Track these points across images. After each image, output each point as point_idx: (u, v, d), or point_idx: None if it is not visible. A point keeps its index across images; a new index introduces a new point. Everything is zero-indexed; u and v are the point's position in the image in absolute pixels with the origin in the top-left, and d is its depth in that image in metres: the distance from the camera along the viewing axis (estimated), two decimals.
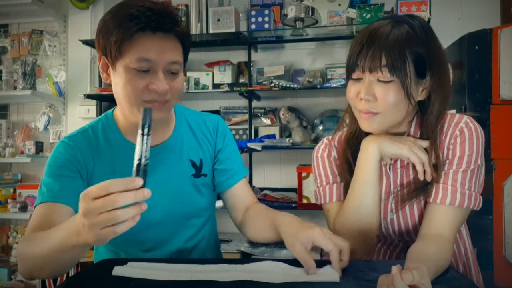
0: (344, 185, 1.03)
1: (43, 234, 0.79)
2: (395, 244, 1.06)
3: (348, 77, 0.95)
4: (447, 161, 0.92)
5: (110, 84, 0.97)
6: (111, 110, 1.06)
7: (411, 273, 0.63)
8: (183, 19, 2.46)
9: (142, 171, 0.63)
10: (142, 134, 0.64)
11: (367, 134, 0.98)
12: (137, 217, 0.62)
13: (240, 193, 1.12)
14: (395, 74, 0.85)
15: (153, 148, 1.01)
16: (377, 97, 0.88)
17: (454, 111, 1.83)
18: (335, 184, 1.04)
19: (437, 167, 0.92)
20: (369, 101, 0.89)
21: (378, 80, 0.88)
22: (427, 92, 0.92)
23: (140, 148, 0.63)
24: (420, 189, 0.95)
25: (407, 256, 0.82)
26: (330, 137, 1.10)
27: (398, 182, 1.00)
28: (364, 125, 0.93)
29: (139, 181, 0.62)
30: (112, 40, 0.87)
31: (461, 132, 0.92)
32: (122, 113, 1.00)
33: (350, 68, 0.92)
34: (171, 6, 0.92)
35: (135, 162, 0.63)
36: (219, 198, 1.20)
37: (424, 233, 0.90)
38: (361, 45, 0.89)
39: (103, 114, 1.06)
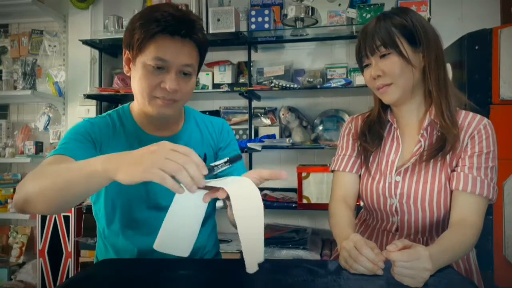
0: (358, 159, 1.19)
1: (58, 166, 0.81)
2: (391, 223, 1.14)
3: (361, 68, 1.13)
4: (467, 156, 1.04)
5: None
6: (127, 104, 1.14)
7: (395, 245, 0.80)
8: None
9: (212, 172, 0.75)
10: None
11: (380, 121, 1.16)
12: (181, 189, 0.68)
13: None
14: (389, 48, 1.03)
15: (163, 138, 1.07)
16: (384, 71, 1.04)
17: None
18: (352, 157, 1.20)
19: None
20: (380, 76, 1.06)
21: (380, 58, 1.05)
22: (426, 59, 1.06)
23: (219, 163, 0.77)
24: (435, 152, 1.06)
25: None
26: (355, 116, 1.26)
27: (416, 148, 1.10)
28: (385, 98, 1.09)
29: (206, 170, 0.70)
30: (135, 37, 0.97)
31: (481, 130, 1.05)
32: (138, 105, 1.07)
33: (359, 60, 1.12)
34: (192, 15, 1.01)
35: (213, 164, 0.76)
36: None
37: (452, 220, 1.02)
38: (359, 41, 1.09)
39: (119, 107, 1.15)
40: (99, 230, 1.14)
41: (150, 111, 1.01)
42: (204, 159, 1.13)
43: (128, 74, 1.05)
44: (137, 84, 1.00)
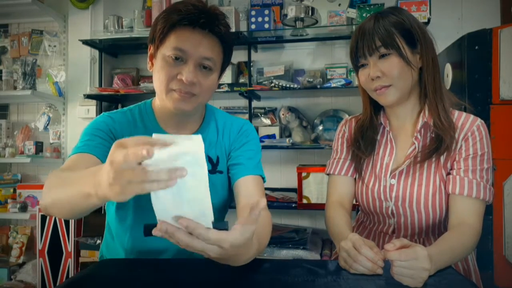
0: (353, 162, 1.18)
1: (67, 175, 0.80)
2: (387, 225, 1.14)
3: (356, 69, 1.10)
4: (461, 159, 1.04)
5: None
6: (150, 99, 1.13)
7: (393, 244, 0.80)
8: None
9: None
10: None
11: (373, 125, 1.14)
12: (171, 182, 0.55)
13: (243, 188, 1.04)
14: (390, 48, 1.01)
15: None
16: (384, 72, 1.02)
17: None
18: (347, 161, 1.19)
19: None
20: (379, 77, 1.03)
21: (379, 58, 1.03)
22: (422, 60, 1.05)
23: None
24: (428, 154, 1.06)
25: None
26: (349, 118, 1.26)
27: (410, 150, 1.10)
28: (382, 100, 1.07)
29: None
30: (157, 28, 0.98)
31: (474, 131, 1.04)
32: (158, 100, 1.07)
33: (355, 60, 1.08)
34: (217, 9, 1.00)
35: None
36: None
37: (451, 224, 1.02)
38: (356, 40, 1.06)
39: (141, 102, 1.13)
40: (108, 224, 1.14)
41: (168, 105, 1.00)
42: (217, 162, 1.11)
43: (151, 71, 1.04)
44: (156, 76, 0.99)
